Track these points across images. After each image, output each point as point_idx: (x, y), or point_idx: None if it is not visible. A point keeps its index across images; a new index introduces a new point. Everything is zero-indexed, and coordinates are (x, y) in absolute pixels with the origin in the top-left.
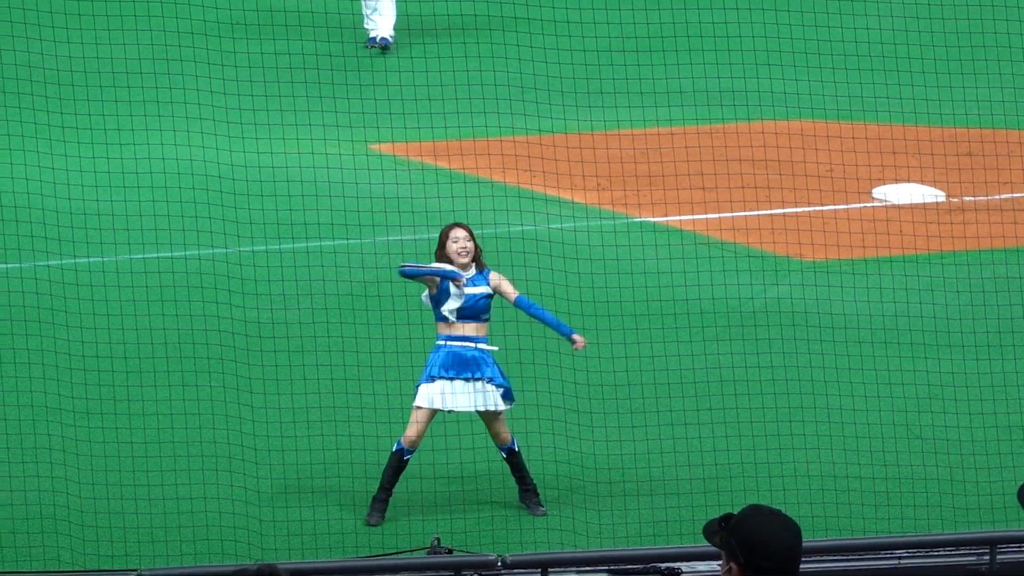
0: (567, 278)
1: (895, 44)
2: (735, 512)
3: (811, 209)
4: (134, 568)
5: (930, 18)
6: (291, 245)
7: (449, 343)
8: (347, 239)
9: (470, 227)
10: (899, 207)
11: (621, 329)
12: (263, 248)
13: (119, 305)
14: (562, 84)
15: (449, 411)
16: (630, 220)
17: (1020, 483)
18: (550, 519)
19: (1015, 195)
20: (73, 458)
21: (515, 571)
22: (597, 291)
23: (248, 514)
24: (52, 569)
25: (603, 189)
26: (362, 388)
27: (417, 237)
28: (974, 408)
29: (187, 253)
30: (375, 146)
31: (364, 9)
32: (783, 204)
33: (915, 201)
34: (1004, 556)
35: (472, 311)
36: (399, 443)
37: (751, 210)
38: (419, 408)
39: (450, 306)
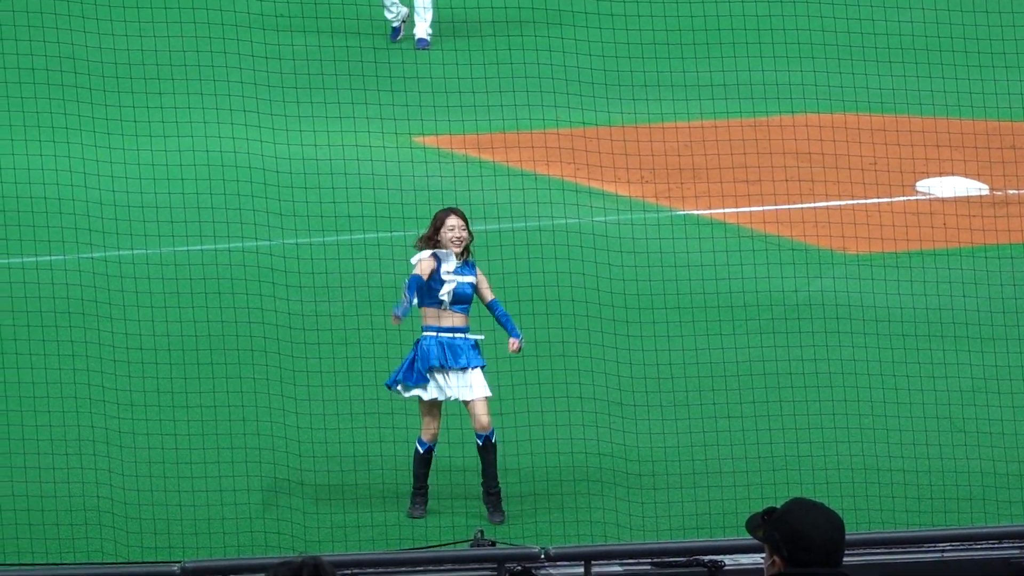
0: (610, 271)
1: (939, 37)
2: (778, 505)
3: (854, 202)
4: (177, 560)
5: (974, 11)
6: (335, 238)
7: (440, 334)
8: (391, 231)
9: (465, 214)
10: (942, 200)
11: (664, 322)
12: (307, 240)
13: (163, 297)
14: (606, 77)
15: (450, 399)
16: (673, 213)
17: None
18: (593, 512)
19: None
20: (116, 450)
21: (558, 563)
22: (640, 284)
23: (291, 506)
24: (95, 560)
25: (647, 182)
26: None
27: None
28: (1017, 401)
29: (231, 245)
30: (419, 139)
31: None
32: (826, 197)
33: (959, 194)
34: None
35: (461, 296)
36: (418, 440)
37: (794, 203)
38: (421, 401)
39: (446, 289)
